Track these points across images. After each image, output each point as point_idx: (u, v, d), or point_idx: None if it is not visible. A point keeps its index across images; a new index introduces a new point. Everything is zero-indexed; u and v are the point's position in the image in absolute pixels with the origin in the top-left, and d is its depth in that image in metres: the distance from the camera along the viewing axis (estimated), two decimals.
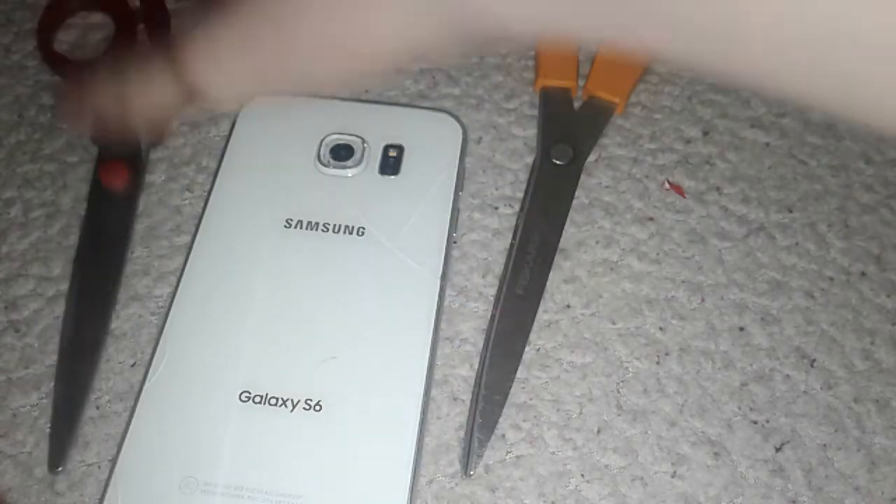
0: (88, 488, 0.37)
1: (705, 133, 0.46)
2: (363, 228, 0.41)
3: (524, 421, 0.38)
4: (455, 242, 0.42)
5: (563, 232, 0.43)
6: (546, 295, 0.41)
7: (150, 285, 0.42)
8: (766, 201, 0.44)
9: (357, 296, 0.39)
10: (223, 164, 0.43)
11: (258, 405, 0.37)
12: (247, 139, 0.44)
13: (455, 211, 0.42)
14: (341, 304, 0.39)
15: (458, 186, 0.43)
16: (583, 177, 0.44)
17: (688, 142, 0.46)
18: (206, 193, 0.44)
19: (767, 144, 0.46)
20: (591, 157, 0.45)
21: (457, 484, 0.37)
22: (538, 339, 0.40)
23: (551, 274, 0.42)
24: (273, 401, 0.37)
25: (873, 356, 0.40)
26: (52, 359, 0.40)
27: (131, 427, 0.36)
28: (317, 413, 0.36)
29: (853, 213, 0.44)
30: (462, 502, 0.37)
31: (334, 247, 0.41)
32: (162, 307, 0.41)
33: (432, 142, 0.44)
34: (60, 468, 0.37)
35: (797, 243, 0.43)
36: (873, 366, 0.40)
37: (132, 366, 0.40)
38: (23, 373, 0.40)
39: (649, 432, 0.38)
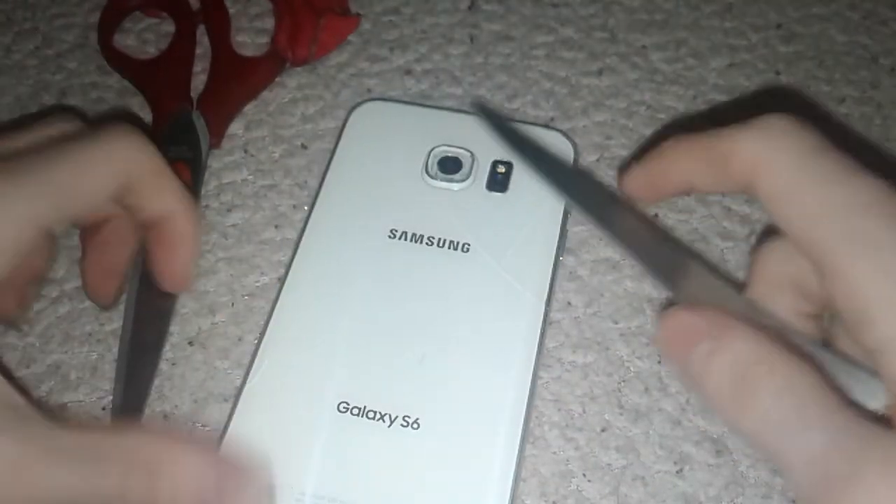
0: None
1: None
2: (468, 245, 0.40)
3: None
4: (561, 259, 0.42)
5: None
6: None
7: None
8: None
9: (459, 313, 0.39)
10: (332, 166, 0.43)
11: (356, 417, 0.36)
12: (356, 143, 0.44)
13: (563, 233, 0.41)
14: (443, 321, 0.39)
15: (567, 211, 0.42)
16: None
17: None
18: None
19: None
20: (593, 157, 0.45)
21: None
22: None
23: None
24: (371, 414, 0.36)
25: None
26: (53, 358, 0.40)
27: (229, 432, 0.36)
28: (414, 431, 0.36)
29: None
30: None
31: (438, 261, 0.40)
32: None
33: None
34: None
35: None
36: None
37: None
38: (24, 372, 0.40)
39: (651, 431, 0.38)
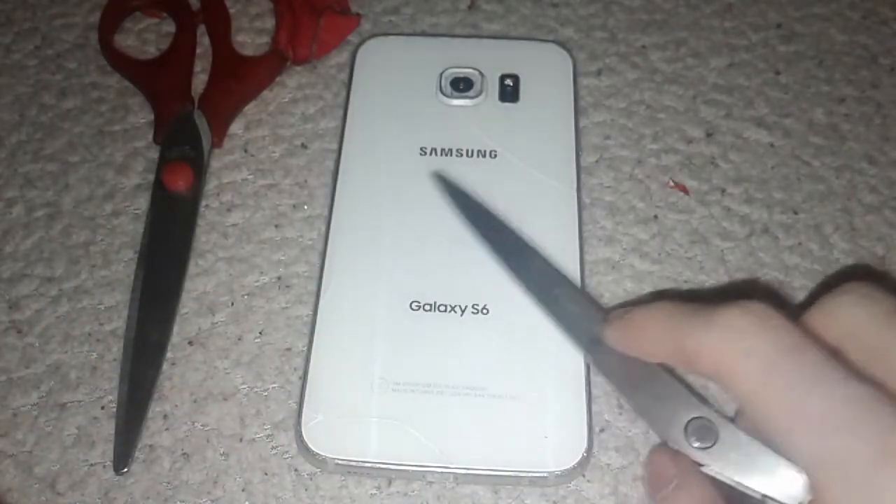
0: (90, 487, 0.37)
1: (709, 134, 0.46)
2: (495, 151, 0.44)
3: None
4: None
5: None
6: None
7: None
8: (769, 202, 0.44)
9: (501, 210, 0.41)
10: (350, 102, 0.46)
11: (429, 312, 0.39)
12: (368, 76, 0.47)
13: (578, 132, 0.45)
14: None
15: (577, 110, 0.45)
16: (584, 177, 0.44)
17: (690, 142, 0.46)
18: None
19: (771, 145, 0.46)
20: (593, 158, 0.45)
21: (458, 483, 0.37)
22: None
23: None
24: (442, 307, 0.39)
25: None
26: (53, 358, 0.40)
27: (314, 344, 0.39)
28: (485, 315, 0.39)
29: (857, 214, 0.44)
30: (463, 501, 0.36)
31: (471, 169, 0.43)
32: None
33: (545, 70, 0.47)
34: (126, 469, 0.37)
35: (800, 243, 0.43)
36: None
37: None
38: (23, 372, 0.40)
39: (651, 432, 0.38)
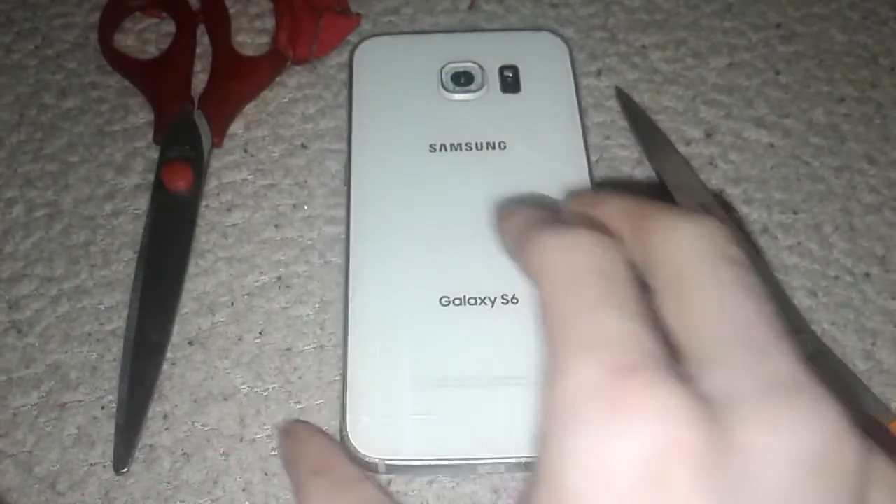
0: (90, 487, 0.37)
1: (708, 134, 0.46)
2: (504, 142, 0.44)
3: None
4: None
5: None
6: None
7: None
8: (769, 202, 0.44)
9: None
10: (353, 104, 0.46)
11: (459, 307, 0.39)
12: (369, 75, 0.47)
13: (583, 115, 0.45)
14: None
15: (579, 95, 0.46)
16: None
17: (689, 143, 0.46)
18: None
19: (771, 145, 0.46)
20: (593, 158, 0.45)
21: (458, 483, 0.37)
22: None
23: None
24: (472, 301, 0.39)
25: (874, 356, 0.40)
26: (53, 358, 0.40)
27: (349, 347, 0.38)
28: (515, 305, 0.39)
29: (857, 214, 0.44)
30: (463, 501, 0.36)
31: (483, 161, 0.44)
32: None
33: (543, 59, 0.47)
34: (126, 469, 0.37)
35: (800, 243, 0.43)
36: (874, 366, 0.39)
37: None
38: (23, 372, 0.40)
39: None
